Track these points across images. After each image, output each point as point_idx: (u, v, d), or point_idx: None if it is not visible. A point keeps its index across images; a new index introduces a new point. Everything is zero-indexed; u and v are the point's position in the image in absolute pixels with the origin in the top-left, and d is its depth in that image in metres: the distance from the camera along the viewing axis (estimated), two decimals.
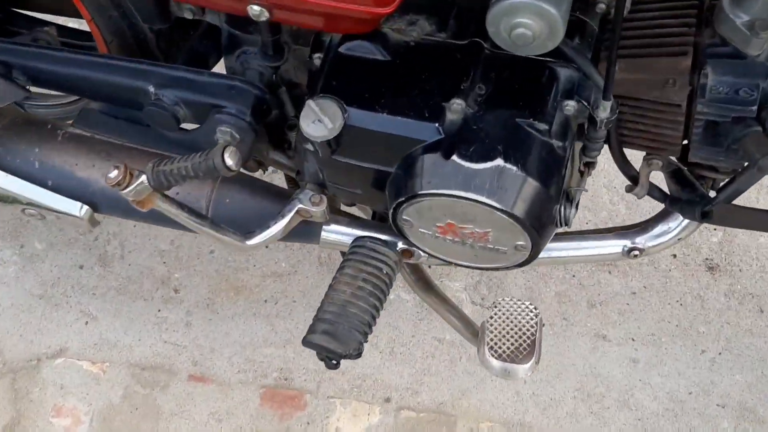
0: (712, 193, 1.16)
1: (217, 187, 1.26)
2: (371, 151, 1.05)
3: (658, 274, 1.84)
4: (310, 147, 1.07)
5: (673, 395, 1.71)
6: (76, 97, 1.54)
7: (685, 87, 1.02)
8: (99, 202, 1.28)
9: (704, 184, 1.17)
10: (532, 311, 1.19)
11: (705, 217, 1.08)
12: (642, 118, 1.07)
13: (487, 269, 1.20)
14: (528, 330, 1.19)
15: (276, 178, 1.81)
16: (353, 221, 1.25)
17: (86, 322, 1.81)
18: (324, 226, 1.25)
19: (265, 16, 0.93)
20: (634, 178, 1.15)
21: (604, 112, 0.99)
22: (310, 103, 1.01)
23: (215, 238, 1.15)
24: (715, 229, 1.88)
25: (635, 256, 1.24)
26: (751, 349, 1.76)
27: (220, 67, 1.26)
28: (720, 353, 1.75)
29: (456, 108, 1.01)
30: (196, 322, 1.81)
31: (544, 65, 1.03)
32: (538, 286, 1.83)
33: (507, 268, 1.11)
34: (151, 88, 1.15)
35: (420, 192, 1.00)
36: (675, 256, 1.85)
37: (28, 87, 1.25)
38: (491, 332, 1.19)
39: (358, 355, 1.13)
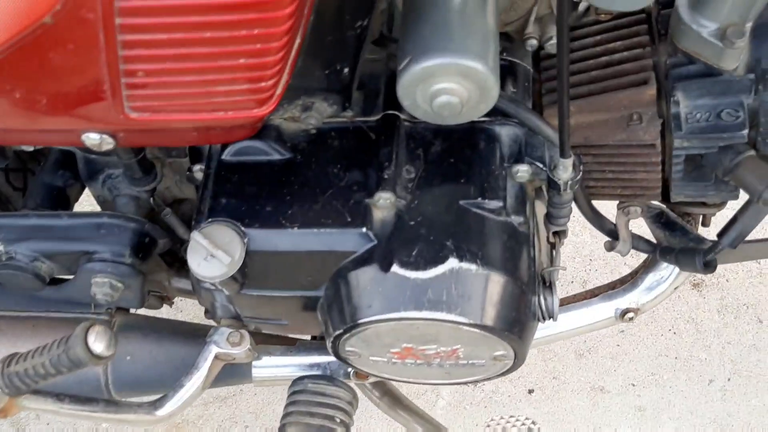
0: (703, 230, 0.97)
1: None
2: (288, 276, 0.82)
3: None
4: (209, 286, 0.83)
5: None
6: None
7: (655, 121, 0.83)
8: None
9: (692, 221, 0.98)
10: None
11: (708, 267, 0.88)
12: (610, 166, 0.87)
13: (466, 383, 0.97)
14: None
15: None
16: (288, 350, 1.01)
17: None
18: (254, 362, 1.01)
19: (110, 144, 0.70)
20: (612, 232, 0.95)
21: (565, 172, 0.79)
22: (197, 236, 0.78)
23: (116, 421, 0.89)
24: None
25: (631, 318, 1.03)
26: (760, 367, 1.58)
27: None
28: (729, 379, 1.57)
29: (383, 203, 0.79)
30: None
31: (479, 128, 0.83)
32: None
33: (489, 378, 0.89)
34: (0, 246, 0.90)
35: (360, 321, 0.78)
36: None
37: None
38: None
39: None
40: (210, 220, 0.80)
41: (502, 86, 0.85)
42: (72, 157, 0.95)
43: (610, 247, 0.95)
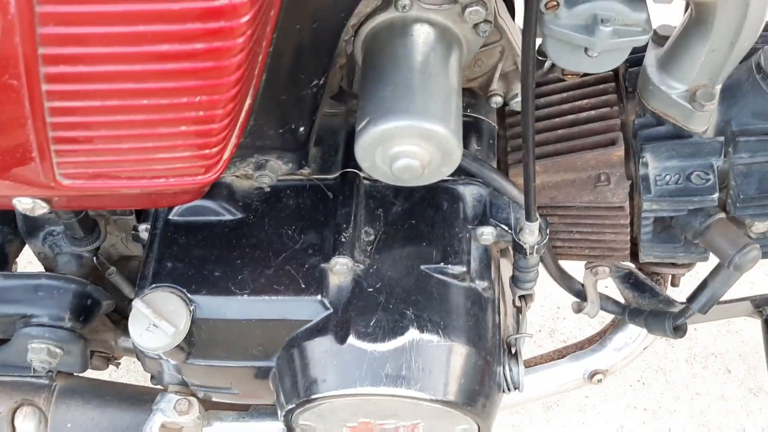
0: (672, 290, 0.94)
1: (52, 406, 0.94)
2: (238, 346, 0.77)
3: None
4: (153, 355, 0.78)
5: None
6: None
7: (623, 182, 0.80)
8: None
9: (661, 280, 0.95)
10: None
11: (678, 331, 0.85)
12: (577, 227, 0.84)
13: None
14: None
15: None
16: (241, 415, 0.95)
17: None
18: (204, 430, 0.95)
19: (43, 208, 0.65)
20: (580, 293, 0.91)
21: (531, 235, 0.76)
22: (138, 305, 0.73)
23: None
24: None
25: (600, 380, 1.00)
26: (729, 418, 1.55)
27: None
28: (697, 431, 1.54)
29: (341, 269, 0.75)
30: None
31: (442, 188, 0.79)
32: None
33: None
34: None
35: (314, 396, 0.73)
36: None
37: None
38: None
39: None
40: (153, 286, 0.75)
41: (467, 144, 0.82)
42: (11, 212, 0.90)
43: (577, 309, 0.92)
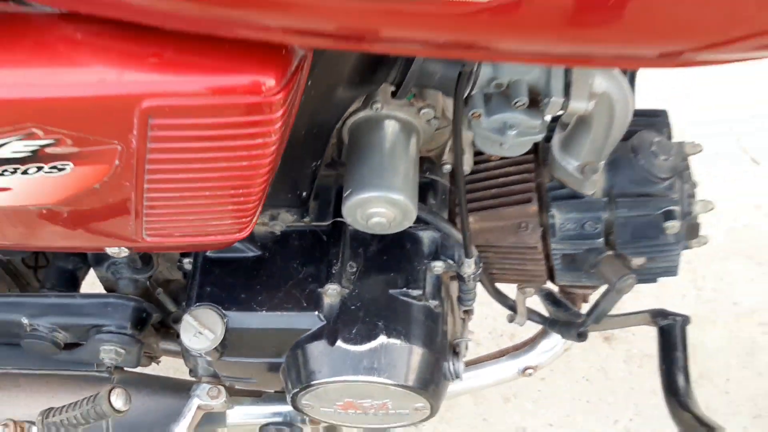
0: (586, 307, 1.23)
1: None
2: (258, 347, 1.06)
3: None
4: (197, 354, 1.07)
5: None
6: None
7: (537, 229, 1.09)
8: None
9: (576, 298, 1.25)
10: None
11: (581, 337, 1.15)
12: (506, 260, 1.14)
13: (396, 428, 1.22)
14: None
15: None
16: (256, 400, 1.25)
17: None
18: (228, 411, 1.24)
19: (126, 252, 0.94)
20: (512, 307, 1.21)
21: (469, 268, 1.05)
22: (188, 318, 1.02)
23: None
24: None
25: (530, 374, 1.30)
26: (657, 409, 1.83)
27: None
28: (631, 419, 1.83)
29: (332, 292, 1.04)
30: None
31: (406, 233, 1.08)
32: None
33: (414, 423, 1.14)
34: (25, 320, 1.13)
35: (313, 382, 1.02)
36: None
37: None
38: None
39: None
40: (197, 304, 1.04)
41: (425, 199, 1.11)
42: None
43: (510, 319, 1.22)
